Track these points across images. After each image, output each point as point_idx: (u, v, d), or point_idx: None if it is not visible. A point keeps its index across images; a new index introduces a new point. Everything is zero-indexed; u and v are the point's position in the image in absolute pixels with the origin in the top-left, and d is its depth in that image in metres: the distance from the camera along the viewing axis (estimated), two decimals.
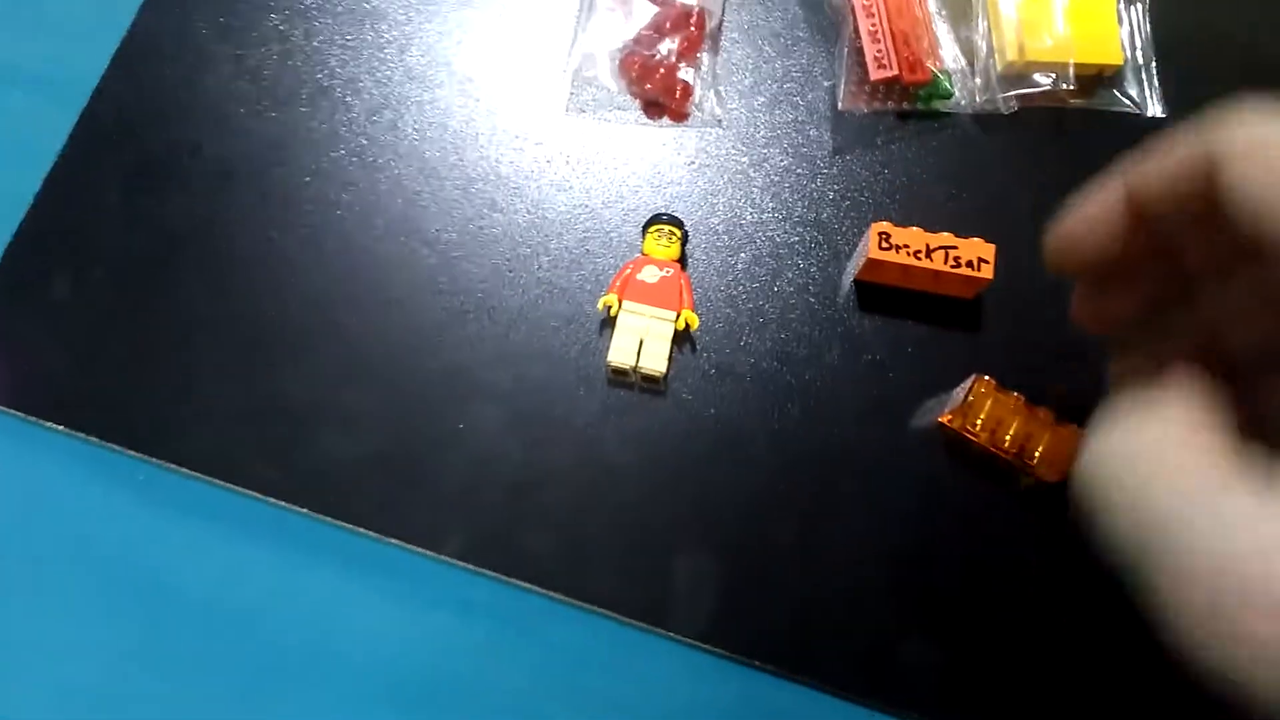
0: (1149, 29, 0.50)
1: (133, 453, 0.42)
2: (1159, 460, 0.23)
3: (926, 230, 0.43)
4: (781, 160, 0.48)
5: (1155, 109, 0.49)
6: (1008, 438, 0.40)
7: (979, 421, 0.41)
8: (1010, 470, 0.41)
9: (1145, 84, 0.49)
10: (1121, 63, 0.48)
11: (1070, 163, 0.47)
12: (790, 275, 0.45)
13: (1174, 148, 0.26)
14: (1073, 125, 0.48)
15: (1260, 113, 0.24)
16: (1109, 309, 0.31)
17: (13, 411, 0.43)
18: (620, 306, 0.43)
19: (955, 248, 0.43)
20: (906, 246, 0.43)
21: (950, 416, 0.41)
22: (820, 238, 0.46)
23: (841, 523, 0.42)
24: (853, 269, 0.45)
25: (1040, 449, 0.40)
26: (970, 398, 0.41)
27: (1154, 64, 0.49)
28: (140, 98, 0.48)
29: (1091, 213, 0.29)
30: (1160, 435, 0.23)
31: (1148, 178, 0.27)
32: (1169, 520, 0.21)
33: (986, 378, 0.41)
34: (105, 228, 0.46)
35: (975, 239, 0.43)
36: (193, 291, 0.45)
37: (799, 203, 0.47)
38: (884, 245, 0.42)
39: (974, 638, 0.40)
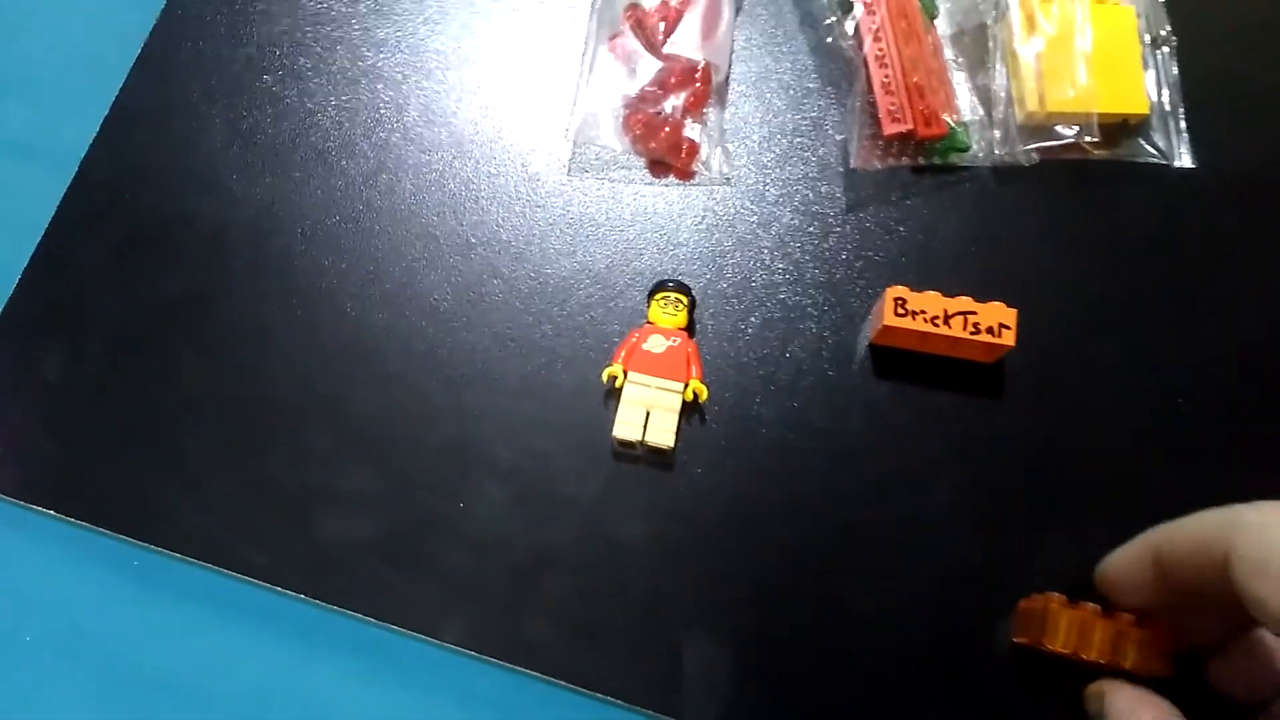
0: (1176, 74, 0.48)
1: (124, 538, 0.41)
2: None
3: (944, 293, 0.41)
4: (792, 219, 0.46)
5: (1184, 160, 0.47)
6: (1094, 648, 0.36)
7: (1059, 637, 0.37)
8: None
9: (1172, 133, 0.47)
10: (1147, 111, 0.47)
11: (1095, 217, 0.46)
12: (803, 340, 0.44)
13: (1200, 526, 0.32)
14: (1097, 177, 0.46)
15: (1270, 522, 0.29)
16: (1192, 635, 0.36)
17: (2, 496, 0.42)
18: (625, 378, 0.42)
19: (975, 313, 0.41)
20: (924, 313, 0.41)
21: (1022, 636, 0.38)
22: (834, 300, 0.44)
23: (859, 601, 0.40)
24: (868, 333, 0.44)
25: (1131, 654, 0.36)
26: (1045, 616, 0.37)
27: (1181, 111, 0.47)
28: (130, 165, 0.47)
29: (1123, 563, 0.36)
30: None
31: (1174, 545, 0.33)
32: None
33: (1057, 594, 0.37)
34: (96, 302, 0.44)
35: (995, 303, 0.41)
36: (185, 368, 0.43)
37: (810, 263, 0.45)
38: (900, 311, 0.41)
39: None
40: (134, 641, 0.41)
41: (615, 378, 0.42)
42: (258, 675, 0.40)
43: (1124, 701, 0.36)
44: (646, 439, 0.41)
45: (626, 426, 0.41)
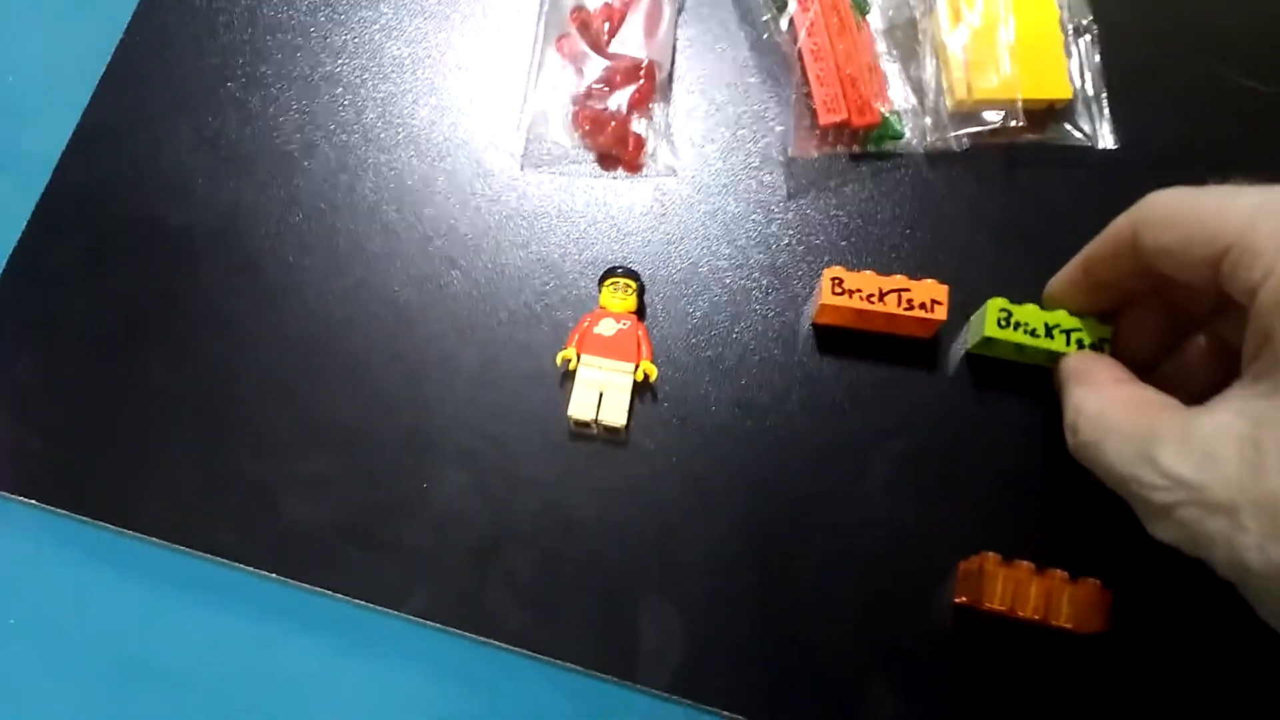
0: (1098, 60, 0.50)
1: (98, 523, 0.43)
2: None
3: (881, 272, 0.43)
4: (736, 207, 0.48)
5: (1107, 141, 0.49)
6: (1030, 604, 0.39)
7: (996, 594, 0.39)
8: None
9: (1096, 117, 0.49)
10: (1070, 96, 0.49)
11: (1023, 198, 0.48)
12: (748, 322, 0.46)
13: (1111, 224, 0.38)
14: (1025, 160, 0.48)
15: (1171, 191, 0.35)
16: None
17: None
18: (579, 360, 0.43)
19: (908, 290, 0.43)
20: (859, 291, 0.43)
21: (963, 595, 0.41)
22: (777, 283, 0.46)
23: (808, 569, 0.42)
24: (810, 313, 0.46)
25: (1065, 609, 0.38)
26: (981, 575, 0.39)
27: (1105, 96, 0.49)
28: (100, 174, 0.48)
29: (1063, 279, 0.41)
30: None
31: (1095, 247, 0.39)
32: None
33: (992, 554, 0.40)
34: (68, 305, 0.46)
35: (928, 280, 0.43)
36: (155, 363, 0.45)
37: (755, 249, 0.47)
38: (837, 290, 0.43)
39: (944, 687, 0.40)
40: (111, 623, 0.42)
41: (569, 361, 0.44)
42: (230, 652, 0.42)
43: (1075, 360, 0.40)
44: (600, 418, 0.43)
45: (580, 406, 0.43)
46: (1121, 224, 0.37)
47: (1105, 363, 0.39)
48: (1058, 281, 0.42)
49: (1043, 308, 0.42)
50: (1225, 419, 0.30)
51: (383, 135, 0.49)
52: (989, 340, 0.42)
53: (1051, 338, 0.41)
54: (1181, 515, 0.30)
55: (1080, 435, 0.36)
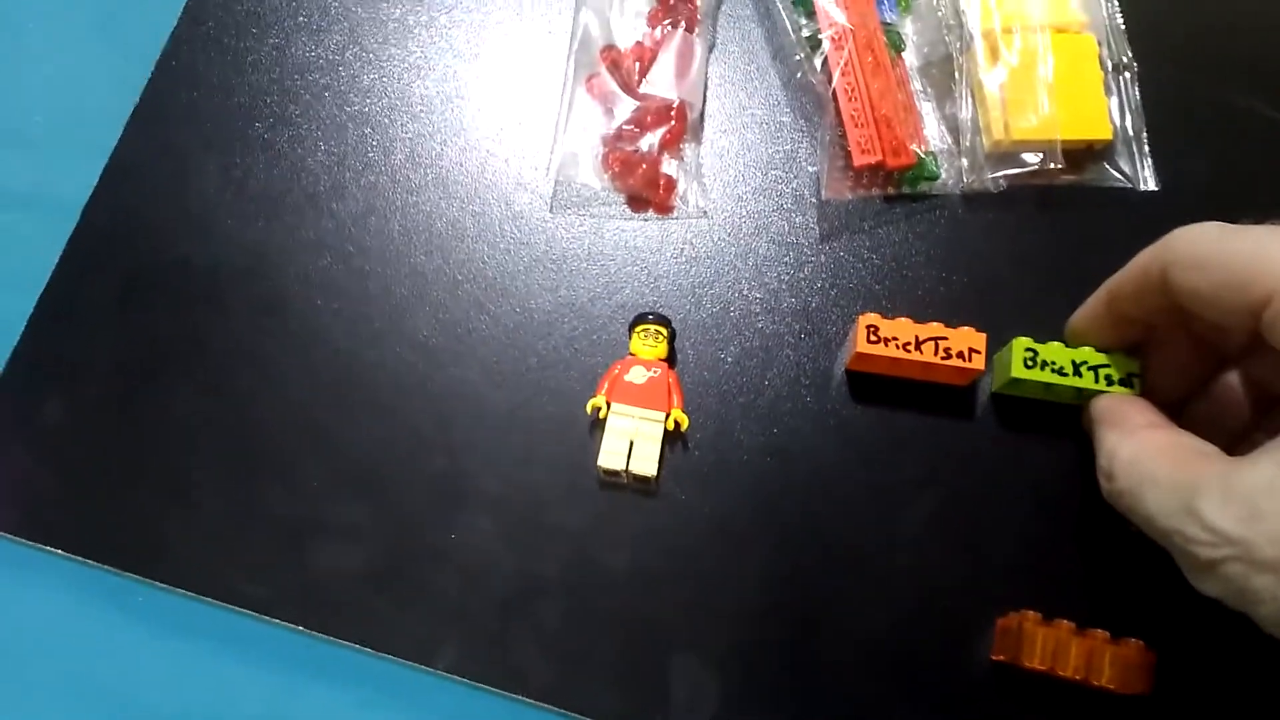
0: (1138, 99, 0.49)
1: (125, 574, 0.42)
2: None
3: (916, 319, 0.42)
4: (768, 250, 0.47)
5: (1149, 183, 0.48)
6: (1070, 665, 0.38)
7: (1036, 654, 0.38)
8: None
9: (1137, 157, 0.48)
10: (1111, 137, 0.48)
11: (1062, 241, 0.47)
12: (780, 367, 0.45)
13: (1137, 259, 0.37)
14: (1064, 202, 0.48)
15: (1200, 228, 0.34)
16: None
17: (4, 535, 0.43)
18: (609, 409, 0.43)
19: (945, 338, 0.42)
20: (895, 339, 0.42)
21: (1001, 654, 0.40)
22: (809, 328, 0.46)
23: (841, 621, 0.41)
24: (843, 359, 0.45)
25: (1107, 670, 0.37)
26: (1020, 634, 0.38)
27: (1144, 135, 0.49)
28: (128, 214, 0.48)
29: (1086, 314, 0.41)
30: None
31: (1119, 282, 0.38)
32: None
33: (1032, 613, 0.39)
34: (96, 347, 0.46)
35: (966, 328, 0.42)
36: (181, 407, 0.45)
37: (787, 292, 0.46)
38: (872, 339, 0.42)
39: None
40: (135, 676, 0.42)
41: (599, 409, 0.43)
42: (257, 705, 0.42)
43: (1106, 402, 0.39)
44: (630, 468, 0.42)
45: (611, 456, 0.42)
46: (1148, 261, 0.36)
47: (1137, 405, 0.38)
48: (1080, 316, 0.41)
49: (1066, 344, 0.41)
50: (1270, 472, 0.30)
51: (411, 176, 0.49)
52: (1016, 381, 0.42)
53: (1079, 375, 0.41)
54: (1226, 571, 0.30)
55: (1116, 482, 0.35)
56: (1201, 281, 0.33)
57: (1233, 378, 0.39)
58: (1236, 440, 0.35)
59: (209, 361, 0.46)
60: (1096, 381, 0.41)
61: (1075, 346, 0.41)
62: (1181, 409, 0.39)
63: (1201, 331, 0.38)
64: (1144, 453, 0.35)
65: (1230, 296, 0.33)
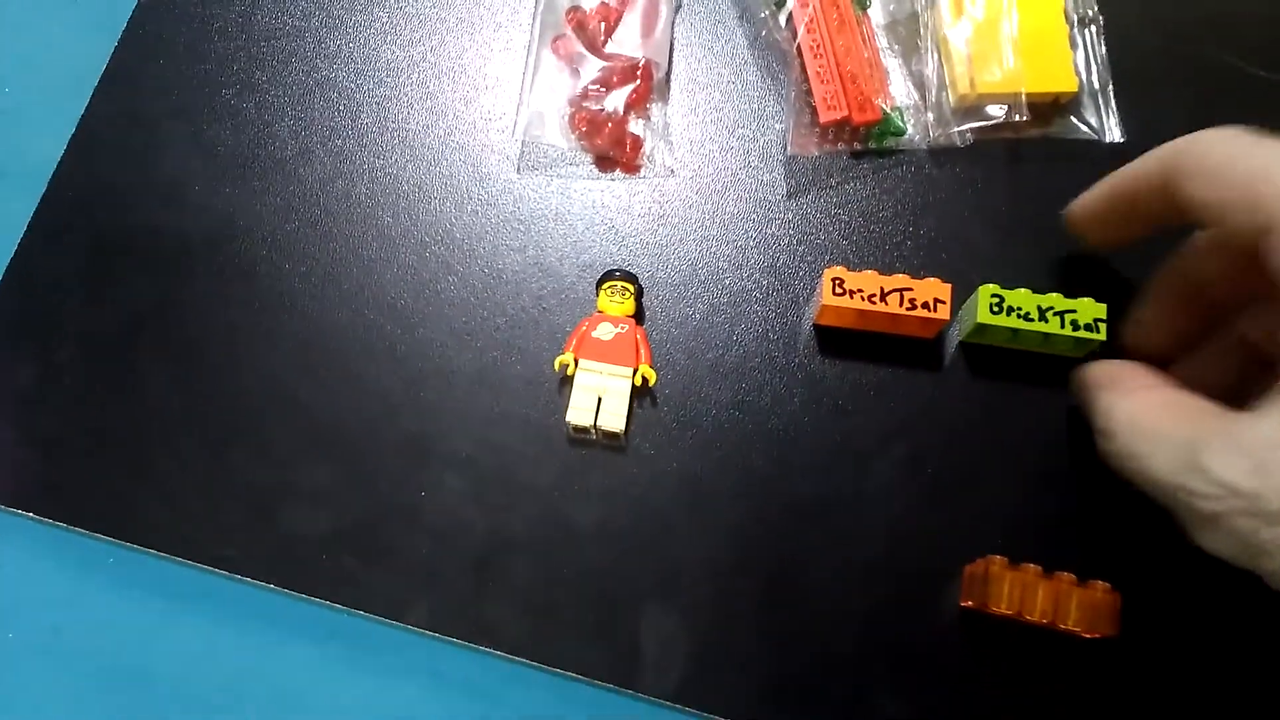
0: (1104, 52, 0.49)
1: (98, 535, 0.43)
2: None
3: (883, 272, 0.42)
4: (735, 207, 0.47)
5: (1114, 134, 0.48)
6: (1037, 608, 0.38)
7: (1003, 598, 0.38)
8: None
9: (1103, 109, 0.48)
10: (1076, 90, 0.48)
11: (1028, 193, 0.47)
12: (749, 323, 0.45)
13: (1145, 159, 0.37)
14: (1030, 155, 0.48)
15: (1213, 136, 0.34)
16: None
17: None
18: (577, 365, 0.43)
19: (911, 289, 0.42)
20: (860, 291, 0.42)
21: (969, 600, 0.40)
22: (777, 283, 0.46)
23: (811, 574, 0.41)
24: (811, 314, 0.45)
25: (1074, 613, 0.37)
26: (987, 579, 0.38)
27: (1110, 88, 0.48)
28: (97, 181, 0.48)
29: (1085, 204, 0.41)
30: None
31: (1123, 178, 0.38)
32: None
33: (999, 557, 0.39)
34: (67, 314, 0.46)
35: (931, 279, 0.42)
36: (153, 372, 0.45)
37: (754, 249, 0.46)
38: (838, 291, 0.42)
39: (950, 692, 0.39)
40: (109, 635, 0.42)
41: (567, 366, 0.43)
42: (232, 664, 0.42)
43: (1100, 367, 0.39)
44: (599, 424, 0.42)
45: (579, 412, 0.42)
46: (1156, 164, 0.36)
47: (1132, 367, 0.38)
48: (1079, 205, 0.41)
49: (1067, 231, 0.42)
50: (1277, 425, 0.29)
51: (378, 141, 0.49)
52: (982, 327, 0.42)
53: (1045, 320, 0.41)
54: (1234, 525, 0.29)
55: (1116, 441, 0.35)
56: (1210, 194, 0.33)
57: (1221, 340, 0.38)
58: (1225, 401, 0.34)
59: (177, 326, 0.46)
60: (1063, 327, 0.41)
61: (1074, 234, 0.42)
62: (1166, 371, 0.39)
63: (1196, 281, 0.38)
64: (1143, 411, 0.35)
65: (1236, 216, 0.32)
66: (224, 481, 0.43)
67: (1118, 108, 0.48)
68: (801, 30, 0.47)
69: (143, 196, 0.48)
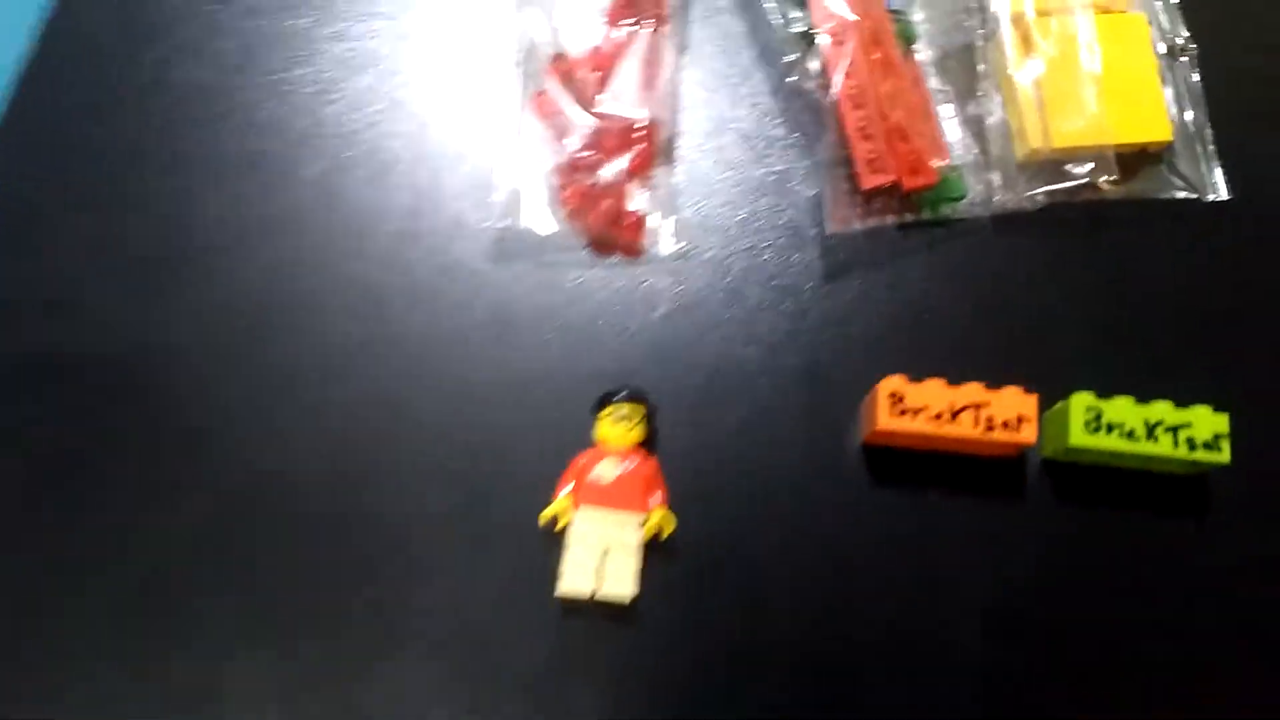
0: (1200, 88, 0.42)
1: None
2: None
3: (948, 377, 0.36)
4: (761, 296, 0.41)
5: (1218, 190, 0.41)
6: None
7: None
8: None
9: (1201, 159, 0.42)
10: (1170, 138, 0.41)
11: (1119, 268, 0.41)
12: (783, 444, 0.38)
13: None
14: (1117, 220, 0.41)
15: None
16: None
17: None
18: (571, 516, 0.35)
19: (986, 404, 0.35)
20: (925, 409, 0.35)
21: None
22: (816, 391, 0.39)
23: None
24: (859, 430, 0.38)
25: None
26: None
27: (1209, 132, 0.42)
28: None
29: None
30: None
31: None
32: None
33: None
34: None
35: (1011, 388, 0.36)
36: (72, 537, 0.36)
37: (786, 349, 0.40)
38: (897, 410, 0.35)
39: None
40: None
41: (558, 518, 0.35)
42: None
43: None
44: (602, 590, 0.34)
45: (575, 578, 0.34)
46: None
47: None
48: None
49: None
50: None
51: (325, 226, 0.40)
52: (1075, 449, 0.36)
53: (1154, 439, 0.35)
54: None
55: None
56: None
57: None
58: None
59: (89, 481, 0.37)
60: (1176, 446, 0.35)
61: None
62: None
63: None
64: None
65: None
66: (148, 675, 0.34)
67: (1219, 156, 0.41)
68: (837, 76, 0.40)
69: (34, 310, 0.39)
